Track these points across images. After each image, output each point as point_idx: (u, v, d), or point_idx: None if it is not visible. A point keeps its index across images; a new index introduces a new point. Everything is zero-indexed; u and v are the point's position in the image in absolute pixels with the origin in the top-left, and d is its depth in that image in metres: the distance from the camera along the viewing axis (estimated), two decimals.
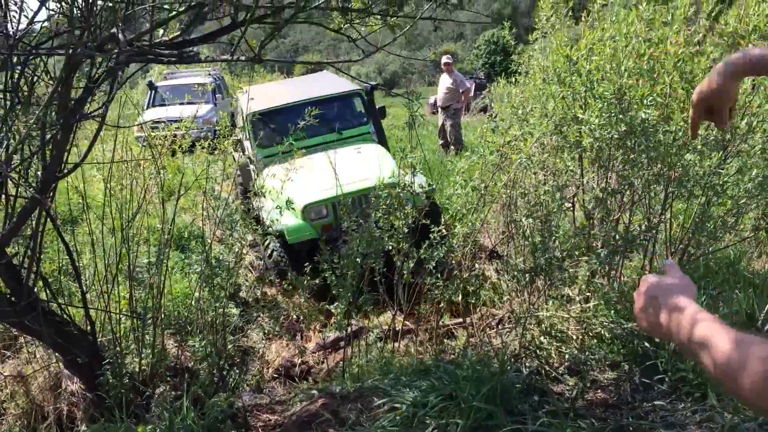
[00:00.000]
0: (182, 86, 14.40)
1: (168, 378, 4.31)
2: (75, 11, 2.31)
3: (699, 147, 3.55)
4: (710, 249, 3.95)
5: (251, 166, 6.98)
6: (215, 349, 4.29)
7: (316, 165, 6.26)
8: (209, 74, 15.55)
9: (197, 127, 11.28)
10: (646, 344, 3.19)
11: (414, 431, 2.81)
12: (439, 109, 11.67)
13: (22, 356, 4.79)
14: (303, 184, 5.83)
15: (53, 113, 2.93)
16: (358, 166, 6.38)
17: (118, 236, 4.19)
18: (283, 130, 6.43)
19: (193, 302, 4.56)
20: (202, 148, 5.24)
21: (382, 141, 7.57)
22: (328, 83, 8.00)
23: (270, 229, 5.14)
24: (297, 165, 5.51)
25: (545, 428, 2.67)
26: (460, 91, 11.38)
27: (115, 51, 1.89)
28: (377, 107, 7.62)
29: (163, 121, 5.33)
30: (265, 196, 5.30)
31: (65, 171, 3.31)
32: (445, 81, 11.39)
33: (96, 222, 4.28)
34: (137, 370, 4.17)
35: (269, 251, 6.26)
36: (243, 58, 2.14)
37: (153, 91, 14.69)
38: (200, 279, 4.25)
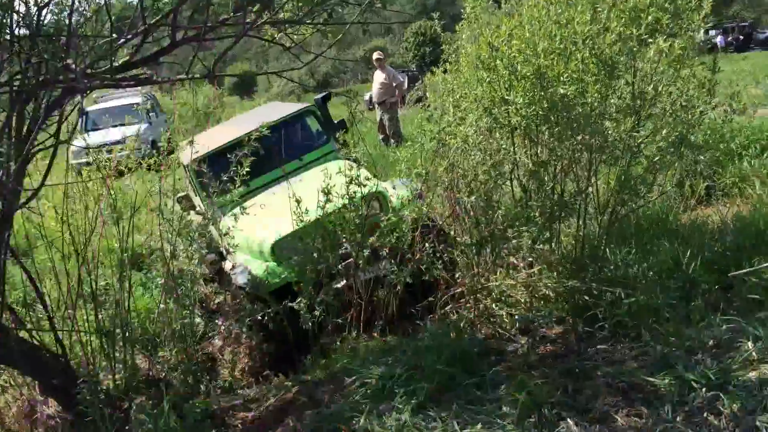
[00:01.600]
0: (116, 108, 14.25)
1: (143, 389, 4.43)
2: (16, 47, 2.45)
3: (614, 114, 3.89)
4: (635, 206, 4.30)
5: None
6: (186, 356, 4.44)
7: (279, 200, 5.26)
8: (142, 94, 15.38)
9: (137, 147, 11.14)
10: (586, 297, 3.51)
11: (384, 400, 3.04)
12: (376, 105, 11.92)
13: None
14: (267, 221, 5.09)
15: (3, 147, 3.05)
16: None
17: (74, 260, 4.29)
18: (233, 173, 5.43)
19: (157, 315, 4.68)
20: (149, 167, 5.23)
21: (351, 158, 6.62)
22: (277, 112, 6.81)
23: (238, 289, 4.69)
24: (258, 203, 5.09)
25: (501, 379, 2.95)
26: (394, 85, 11.64)
27: (73, 80, 2.04)
28: (336, 121, 6.53)
29: (107, 144, 5.40)
30: (232, 252, 4.97)
31: (23, 201, 3.42)
32: (378, 77, 11.64)
33: (53, 249, 4.37)
34: (111, 385, 4.28)
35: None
36: (197, 75, 2.31)
37: (84, 116, 14.50)
38: (163, 291, 4.38)
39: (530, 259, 4.14)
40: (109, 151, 4.97)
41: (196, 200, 5.94)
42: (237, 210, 4.89)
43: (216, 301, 5.68)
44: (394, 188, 5.25)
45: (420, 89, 16.03)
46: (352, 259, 4.52)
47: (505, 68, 4.08)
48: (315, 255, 4.51)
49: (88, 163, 4.74)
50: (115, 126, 11.50)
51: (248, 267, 4.88)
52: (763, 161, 6.44)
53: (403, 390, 3.09)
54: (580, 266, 3.94)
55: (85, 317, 4.51)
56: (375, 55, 11.77)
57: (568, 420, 2.56)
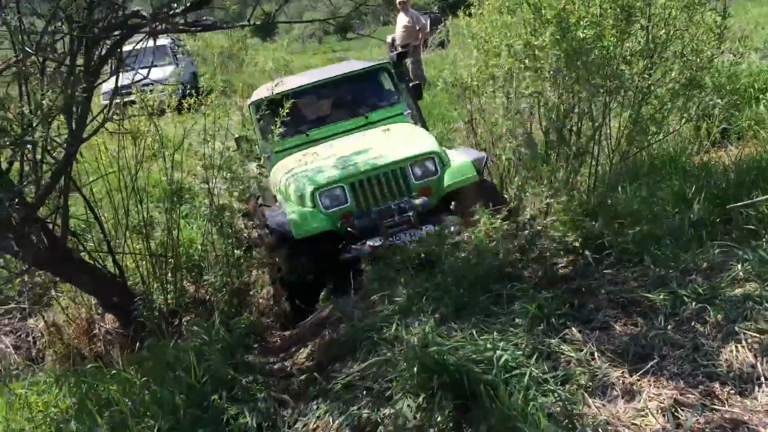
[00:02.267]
0: (145, 49, 14.44)
1: (191, 309, 4.91)
2: None
3: (628, 57, 4.13)
4: (645, 145, 4.57)
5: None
6: (229, 279, 4.88)
7: (336, 150, 5.25)
8: (169, 36, 15.60)
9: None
10: (594, 223, 3.83)
11: (411, 315, 3.44)
12: (399, 48, 12.05)
13: (52, 310, 5.33)
14: (314, 168, 5.02)
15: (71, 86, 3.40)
16: (387, 143, 5.22)
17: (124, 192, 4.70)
18: (295, 119, 5.42)
19: (202, 243, 5.11)
20: (189, 107, 5.49)
21: (420, 123, 6.18)
22: (351, 68, 6.39)
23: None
24: (313, 153, 5.24)
25: (515, 298, 3.33)
26: (417, 28, 11.75)
27: (143, 24, 2.36)
28: (411, 84, 6.34)
29: (151, 83, 5.70)
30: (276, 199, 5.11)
31: (85, 137, 3.80)
32: (401, 20, 11.75)
33: (106, 181, 4.79)
34: (163, 304, 4.75)
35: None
36: (257, 22, 2.62)
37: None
38: (208, 221, 4.81)
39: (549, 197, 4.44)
40: (151, 91, 5.29)
41: (256, 141, 5.87)
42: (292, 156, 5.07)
43: (253, 236, 6.09)
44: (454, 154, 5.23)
45: (442, 32, 15.99)
46: (393, 217, 4.58)
47: (530, 13, 4.30)
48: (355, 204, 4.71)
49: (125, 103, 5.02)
50: (145, 67, 11.77)
51: (285, 211, 4.85)
52: None
53: (428, 307, 3.49)
54: (591, 202, 4.26)
55: (136, 244, 4.97)
56: None
57: (572, 328, 2.94)
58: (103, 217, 4.74)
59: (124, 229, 4.91)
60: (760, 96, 6.88)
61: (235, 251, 5.14)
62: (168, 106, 5.62)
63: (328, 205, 4.75)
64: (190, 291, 5.17)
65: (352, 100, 5.99)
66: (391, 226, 4.53)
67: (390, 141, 5.24)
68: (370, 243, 4.51)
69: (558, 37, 4.05)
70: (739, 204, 3.64)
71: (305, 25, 38.09)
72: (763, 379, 2.42)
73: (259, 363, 3.82)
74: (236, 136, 5.49)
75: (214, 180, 4.77)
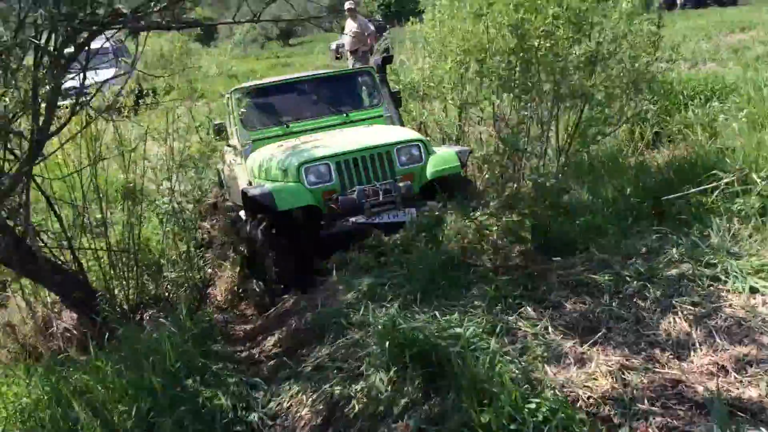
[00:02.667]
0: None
1: (151, 304, 4.95)
2: None
3: (577, 64, 4.46)
4: (587, 145, 4.92)
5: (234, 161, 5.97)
6: (190, 275, 4.96)
7: (318, 141, 5.35)
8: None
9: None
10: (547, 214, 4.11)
11: (376, 300, 3.63)
12: (348, 54, 12.27)
13: (5, 310, 5.28)
14: (299, 149, 5.08)
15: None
16: (372, 133, 5.38)
17: (88, 188, 4.72)
18: (276, 111, 5.81)
19: (162, 239, 5.17)
20: (146, 105, 5.56)
21: (400, 125, 6.15)
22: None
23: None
24: (295, 143, 5.25)
25: (474, 282, 3.56)
26: (366, 34, 11.99)
27: (122, 22, 2.48)
28: (392, 91, 6.31)
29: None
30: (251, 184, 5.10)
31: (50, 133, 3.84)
32: (350, 26, 11.95)
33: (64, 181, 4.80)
34: (124, 301, 4.79)
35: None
36: (243, 20, 2.76)
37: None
38: (170, 216, 4.89)
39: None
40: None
41: (230, 130, 5.94)
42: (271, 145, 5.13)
43: (211, 234, 6.18)
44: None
45: (387, 39, 16.26)
46: (377, 197, 4.61)
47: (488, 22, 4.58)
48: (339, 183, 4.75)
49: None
50: (91, 69, 11.57)
51: (267, 186, 4.83)
52: (705, 110, 7.09)
53: (392, 293, 3.69)
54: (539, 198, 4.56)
55: (96, 242, 4.98)
56: (347, 5, 12.05)
57: (528, 307, 3.20)
58: (65, 215, 4.75)
59: (80, 227, 4.92)
60: (689, 102, 7.39)
61: (192, 249, 5.23)
62: (124, 107, 5.66)
63: (313, 182, 4.74)
64: (150, 288, 5.21)
65: (333, 99, 6.05)
66: (375, 205, 4.58)
67: (374, 131, 5.42)
68: (353, 220, 4.55)
69: (513, 46, 4.34)
70: (672, 196, 4.00)
71: (247, 31, 37.78)
72: (697, 345, 2.72)
73: (227, 352, 3.95)
74: (216, 123, 5.57)
75: (175, 177, 4.86)
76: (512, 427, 2.14)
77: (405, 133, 5.20)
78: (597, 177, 5.21)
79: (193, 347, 3.57)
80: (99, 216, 4.94)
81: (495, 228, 4.24)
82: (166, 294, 5.20)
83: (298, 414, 3.10)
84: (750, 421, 2.21)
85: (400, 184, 4.71)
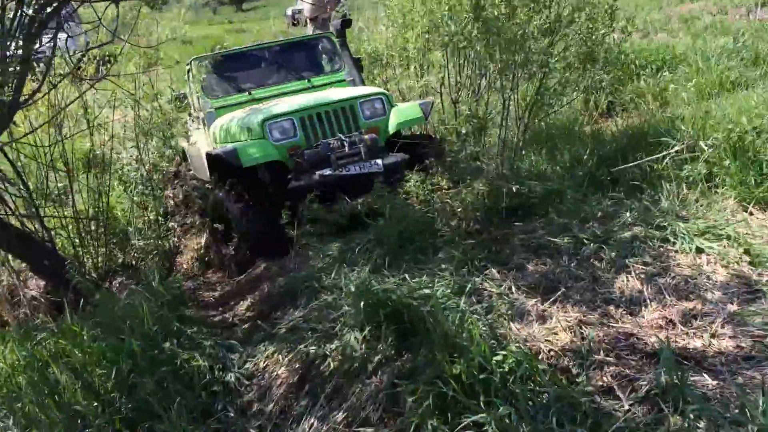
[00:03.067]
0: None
1: (120, 272, 4.99)
2: None
3: (535, 34, 4.60)
4: (544, 114, 5.11)
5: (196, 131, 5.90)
6: (159, 242, 5.01)
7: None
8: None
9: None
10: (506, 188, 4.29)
11: (347, 265, 3.77)
12: (308, 21, 12.17)
13: None
14: (262, 108, 5.16)
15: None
16: (333, 91, 5.56)
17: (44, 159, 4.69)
18: (238, 79, 5.84)
19: (124, 209, 5.19)
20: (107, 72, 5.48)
21: None
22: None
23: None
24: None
25: (441, 247, 3.73)
26: (325, 1, 11.89)
27: None
28: (354, 57, 6.33)
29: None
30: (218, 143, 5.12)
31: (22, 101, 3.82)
32: None
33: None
34: (93, 269, 4.82)
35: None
36: None
37: None
38: (138, 183, 4.91)
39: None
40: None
41: (191, 100, 5.84)
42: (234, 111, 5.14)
43: (175, 202, 6.19)
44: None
45: (345, 5, 16.19)
46: (343, 149, 4.67)
47: None
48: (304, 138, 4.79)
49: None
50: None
51: (230, 145, 4.84)
52: (657, 80, 7.36)
53: (362, 258, 3.83)
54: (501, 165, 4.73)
55: (59, 211, 4.97)
56: None
57: (492, 269, 3.38)
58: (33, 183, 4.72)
59: (46, 195, 4.90)
60: (641, 72, 7.66)
61: (160, 218, 5.26)
62: (85, 73, 5.59)
63: (278, 138, 4.77)
64: (117, 256, 5.24)
65: (295, 66, 6.07)
66: (341, 157, 4.63)
67: (337, 90, 5.53)
68: (319, 173, 4.59)
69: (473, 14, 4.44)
70: (623, 166, 4.22)
71: None
72: (648, 301, 2.94)
73: (201, 316, 4.04)
74: (178, 92, 5.55)
75: (143, 144, 4.86)
76: (481, 377, 2.32)
77: (367, 89, 5.26)
78: (554, 146, 5.41)
79: (168, 312, 3.66)
80: (62, 185, 4.93)
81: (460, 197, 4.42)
82: (134, 262, 5.25)
83: (275, 373, 3.23)
84: (694, 368, 2.43)
85: (365, 137, 4.78)
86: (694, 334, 2.67)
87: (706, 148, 4.10)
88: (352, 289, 3.18)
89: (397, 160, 4.74)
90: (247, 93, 5.68)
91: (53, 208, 4.82)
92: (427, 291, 2.99)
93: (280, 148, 4.77)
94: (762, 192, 3.68)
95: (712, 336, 2.62)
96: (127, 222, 5.27)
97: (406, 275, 3.35)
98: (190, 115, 5.63)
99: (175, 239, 6.09)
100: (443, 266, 3.51)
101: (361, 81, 6.11)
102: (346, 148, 4.68)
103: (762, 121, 4.13)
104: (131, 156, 5.13)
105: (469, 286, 3.16)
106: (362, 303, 2.93)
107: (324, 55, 6.31)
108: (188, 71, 5.87)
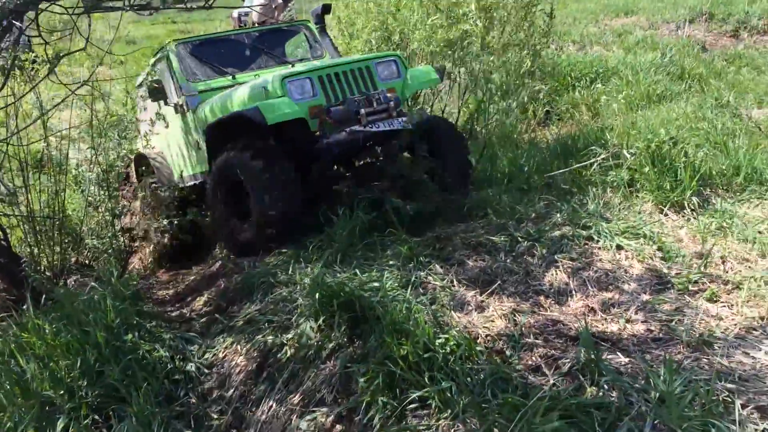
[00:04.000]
0: None
1: (74, 271, 5.09)
2: None
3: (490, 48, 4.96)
4: (486, 123, 5.49)
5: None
6: (115, 241, 5.13)
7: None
8: None
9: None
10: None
11: (300, 262, 4.01)
12: (256, 25, 12.28)
13: None
14: (267, 75, 4.79)
15: None
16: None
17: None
18: (219, 63, 5.52)
19: (85, 207, 5.28)
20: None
21: None
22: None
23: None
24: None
25: (388, 245, 4.01)
26: (274, 6, 12.06)
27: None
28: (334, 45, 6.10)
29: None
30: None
31: None
32: None
33: None
34: (48, 268, 4.90)
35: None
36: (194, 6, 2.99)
37: None
38: (93, 183, 5.02)
39: None
40: None
41: (169, 86, 5.46)
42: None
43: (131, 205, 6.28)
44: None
45: (292, 11, 16.34)
46: (371, 105, 4.52)
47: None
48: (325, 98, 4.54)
49: None
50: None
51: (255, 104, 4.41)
52: (590, 92, 7.86)
53: (315, 255, 4.08)
54: None
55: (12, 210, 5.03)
56: None
57: (436, 265, 3.68)
58: None
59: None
60: (576, 84, 8.15)
61: (114, 218, 5.38)
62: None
63: (298, 97, 4.46)
64: (71, 255, 5.32)
65: (275, 52, 5.86)
66: (370, 114, 4.50)
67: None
68: (349, 129, 4.41)
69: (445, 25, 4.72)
70: (558, 171, 4.60)
71: None
72: (573, 292, 3.29)
73: (159, 311, 4.21)
74: (151, 80, 5.33)
75: (99, 143, 4.98)
76: (425, 356, 2.61)
77: (378, 54, 5.14)
78: (494, 153, 5.79)
79: (129, 307, 3.82)
80: (13, 184, 4.99)
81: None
82: (87, 261, 5.35)
83: (234, 362, 3.45)
84: (610, 349, 2.78)
85: (389, 94, 4.67)
86: (611, 319, 3.03)
87: (629, 156, 4.52)
88: (308, 282, 3.43)
89: (421, 120, 4.74)
90: (230, 77, 5.41)
91: (8, 207, 4.88)
92: (376, 284, 3.27)
93: (302, 106, 4.46)
94: (676, 196, 4.10)
95: (627, 321, 2.97)
96: (80, 222, 5.35)
97: (357, 270, 3.62)
98: (166, 104, 5.43)
99: (127, 240, 6.20)
100: (391, 262, 3.79)
101: None
102: (374, 105, 4.55)
103: (678, 132, 4.59)
104: (85, 157, 5.22)
105: (414, 279, 3.45)
106: (317, 294, 3.18)
107: (305, 43, 6.15)
108: (165, 57, 5.53)
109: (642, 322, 2.97)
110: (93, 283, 4.25)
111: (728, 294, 3.11)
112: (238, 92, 4.72)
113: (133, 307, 3.95)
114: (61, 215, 4.86)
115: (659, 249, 3.57)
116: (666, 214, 4.05)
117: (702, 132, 5.02)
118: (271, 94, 4.45)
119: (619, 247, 3.62)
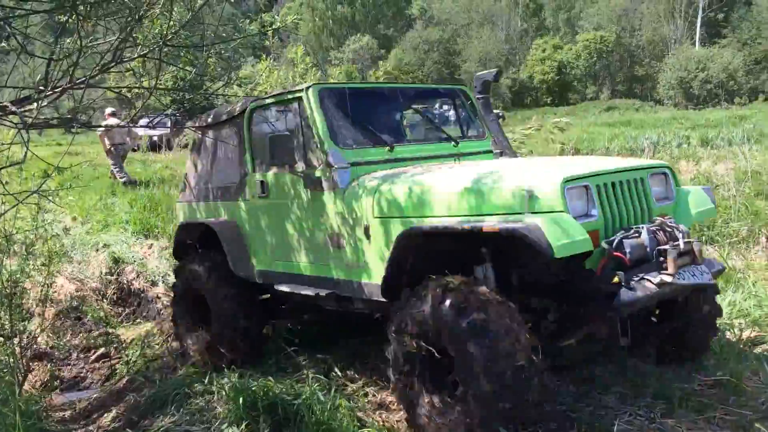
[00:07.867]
0: None
1: None
2: None
3: None
4: None
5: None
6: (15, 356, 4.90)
7: (458, 174, 3.37)
8: None
9: None
10: None
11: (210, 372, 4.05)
12: (107, 153, 12.29)
13: None
14: (518, 168, 3.32)
15: None
16: (537, 164, 3.66)
17: None
18: (371, 127, 4.02)
19: None
20: None
21: None
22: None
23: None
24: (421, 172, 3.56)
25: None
26: (128, 134, 12.24)
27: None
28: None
29: None
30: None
31: None
32: (112, 122, 11.83)
33: None
34: None
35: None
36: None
37: None
38: None
39: None
40: None
41: (297, 146, 3.92)
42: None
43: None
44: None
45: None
46: (677, 243, 3.01)
47: None
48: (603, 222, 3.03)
49: None
50: None
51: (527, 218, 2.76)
52: None
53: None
54: None
55: None
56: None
57: (354, 372, 3.86)
58: None
59: None
60: None
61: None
62: None
63: (578, 214, 2.91)
64: None
65: (430, 121, 4.50)
66: (680, 254, 3.00)
67: (538, 164, 3.61)
68: (650, 278, 2.89)
69: None
70: None
71: None
72: None
73: (63, 429, 4.04)
74: (275, 133, 3.96)
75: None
76: None
77: (635, 160, 3.75)
78: None
79: (30, 427, 3.67)
80: None
81: None
82: None
83: None
84: None
85: (682, 227, 3.18)
86: None
87: None
88: (227, 388, 3.49)
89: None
90: (388, 148, 3.93)
91: None
92: (298, 388, 3.40)
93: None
94: None
95: None
96: None
97: (271, 377, 3.71)
98: (293, 172, 3.97)
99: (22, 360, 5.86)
100: (307, 371, 3.93)
101: (513, 156, 4.21)
102: (681, 243, 3.05)
103: None
104: None
105: (331, 384, 3.61)
106: (240, 399, 3.26)
107: (461, 114, 4.65)
108: (297, 102, 3.95)
109: None
110: None
111: None
112: (466, 184, 3.12)
113: (34, 427, 3.79)
114: None
115: None
116: None
117: None
118: (541, 204, 2.86)
119: None
